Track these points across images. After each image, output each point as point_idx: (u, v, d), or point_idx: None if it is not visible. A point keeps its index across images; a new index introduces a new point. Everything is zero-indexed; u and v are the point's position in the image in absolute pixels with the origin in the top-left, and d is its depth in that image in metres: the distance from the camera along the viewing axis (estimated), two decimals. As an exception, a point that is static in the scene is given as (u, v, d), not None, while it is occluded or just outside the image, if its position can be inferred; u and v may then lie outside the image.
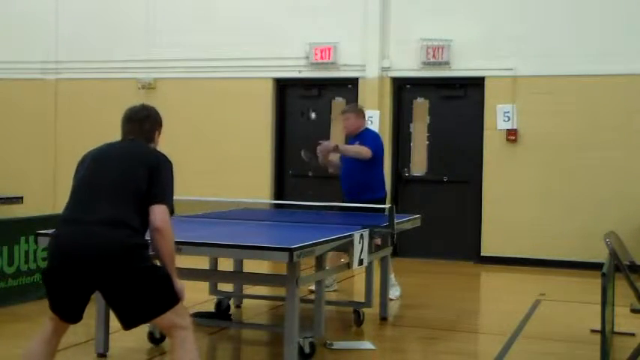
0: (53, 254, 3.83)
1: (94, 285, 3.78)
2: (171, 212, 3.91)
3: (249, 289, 7.28)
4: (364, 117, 7.75)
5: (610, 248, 4.88)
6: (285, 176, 11.23)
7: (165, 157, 4.05)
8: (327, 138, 10.98)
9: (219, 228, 5.92)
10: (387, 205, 6.64)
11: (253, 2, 11.22)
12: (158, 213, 3.80)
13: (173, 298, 3.79)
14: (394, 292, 7.40)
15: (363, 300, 6.62)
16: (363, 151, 7.24)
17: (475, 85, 10.32)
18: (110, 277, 3.70)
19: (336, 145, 7.37)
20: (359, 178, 7.37)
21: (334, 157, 7.55)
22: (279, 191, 11.15)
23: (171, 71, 11.46)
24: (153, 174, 3.89)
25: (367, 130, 7.69)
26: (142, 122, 4.18)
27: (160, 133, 4.28)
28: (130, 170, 3.90)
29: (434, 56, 10.29)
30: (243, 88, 11.11)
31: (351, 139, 7.67)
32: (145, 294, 3.72)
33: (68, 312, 3.87)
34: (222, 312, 6.68)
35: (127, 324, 3.82)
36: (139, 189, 3.83)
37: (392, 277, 7.37)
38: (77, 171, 4.02)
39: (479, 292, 8.07)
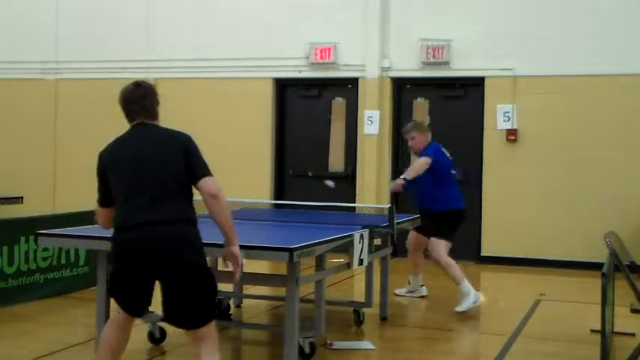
0: (125, 258, 3.86)
1: (159, 278, 3.87)
2: None
3: (249, 289, 7.28)
4: (429, 131, 7.56)
5: (610, 248, 4.88)
6: (285, 176, 11.23)
7: (184, 133, 4.07)
8: (327, 138, 11.02)
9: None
10: (386, 206, 6.65)
11: (253, 2, 11.22)
12: (210, 183, 3.89)
13: (214, 309, 3.96)
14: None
15: (363, 300, 6.62)
16: (419, 165, 7.10)
17: (475, 85, 10.32)
18: (174, 271, 3.80)
19: (403, 179, 7.01)
20: (425, 191, 7.26)
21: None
22: (279, 191, 11.15)
23: (171, 71, 11.46)
24: (187, 155, 3.93)
25: (430, 144, 7.42)
26: (142, 101, 4.11)
27: (159, 104, 4.21)
28: (169, 164, 3.91)
29: (434, 56, 10.29)
30: (243, 88, 11.11)
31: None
32: (201, 297, 3.85)
33: (138, 308, 4.01)
34: (222, 312, 6.67)
35: (180, 323, 3.92)
36: (183, 178, 3.90)
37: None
38: (108, 173, 3.98)
39: (479, 292, 8.05)
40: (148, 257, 3.78)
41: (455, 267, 7.12)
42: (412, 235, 7.69)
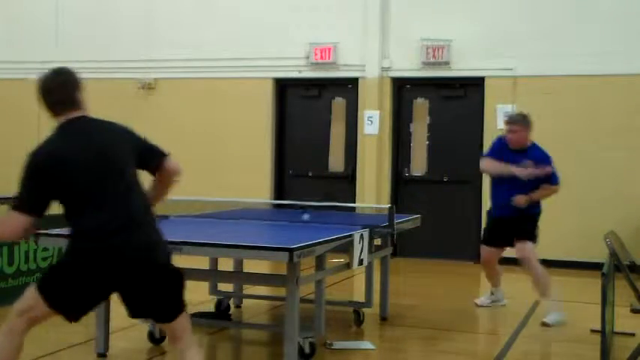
0: (97, 263, 3.56)
1: (124, 285, 3.69)
2: None
3: (249, 289, 7.28)
4: (532, 128, 6.92)
5: (610, 248, 4.88)
6: (285, 176, 11.23)
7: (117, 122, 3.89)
8: (327, 138, 11.01)
9: (219, 228, 5.92)
10: (386, 206, 6.64)
11: (253, 2, 11.22)
12: (173, 162, 3.83)
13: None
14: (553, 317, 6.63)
15: (363, 300, 6.62)
16: (552, 189, 6.87)
17: (475, 85, 10.32)
18: (159, 270, 3.70)
19: (529, 198, 6.73)
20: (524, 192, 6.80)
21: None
22: (279, 191, 11.15)
23: (171, 71, 11.46)
24: (137, 140, 3.82)
25: (535, 145, 6.92)
26: (66, 89, 3.81)
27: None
28: (129, 157, 3.74)
29: (434, 56, 10.29)
30: (243, 88, 11.11)
31: (510, 153, 6.88)
32: (174, 292, 3.76)
33: (81, 312, 3.74)
34: (222, 312, 6.68)
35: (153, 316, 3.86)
36: (135, 169, 3.77)
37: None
38: (54, 177, 3.60)
39: (479, 292, 8.05)
40: (139, 260, 3.60)
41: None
42: (489, 251, 7.18)
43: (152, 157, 3.82)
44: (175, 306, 3.79)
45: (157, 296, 3.72)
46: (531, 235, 6.88)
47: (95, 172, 3.61)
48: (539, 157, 6.85)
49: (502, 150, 6.96)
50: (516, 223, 6.86)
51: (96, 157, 3.63)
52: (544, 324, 6.52)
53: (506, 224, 6.93)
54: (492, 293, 7.47)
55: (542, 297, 6.88)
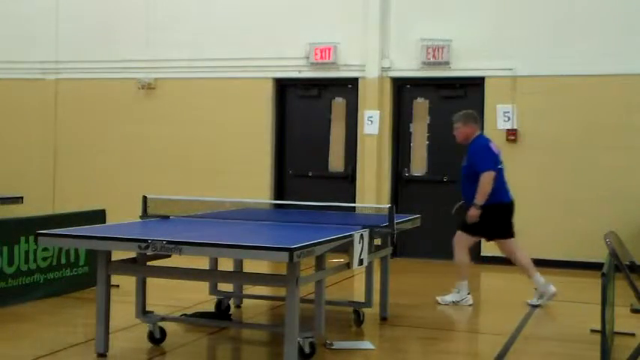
0: None
1: None
2: None
3: (249, 289, 7.28)
4: (474, 122, 7.50)
5: (610, 248, 4.88)
6: (285, 176, 11.23)
7: None
8: (327, 138, 11.01)
9: (219, 228, 5.92)
10: (386, 206, 6.64)
11: (253, 2, 11.21)
12: None
13: None
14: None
15: (363, 300, 6.62)
16: (484, 188, 7.12)
17: (475, 85, 10.32)
18: None
19: (478, 207, 7.14)
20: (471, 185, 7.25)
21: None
22: (279, 191, 11.15)
23: (171, 71, 11.46)
24: None
25: (476, 139, 7.46)
26: None
27: None
28: None
29: (434, 56, 10.29)
30: (243, 88, 11.11)
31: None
32: None
33: None
34: (222, 312, 6.68)
35: None
36: None
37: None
38: None
39: (479, 292, 8.05)
40: None
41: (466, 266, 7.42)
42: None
43: None
44: None
45: None
46: (468, 227, 7.32)
47: None
48: (470, 151, 7.39)
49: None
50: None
51: None
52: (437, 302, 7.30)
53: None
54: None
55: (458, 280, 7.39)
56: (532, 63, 9.96)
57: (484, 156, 7.30)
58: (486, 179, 7.14)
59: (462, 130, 7.45)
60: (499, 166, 7.37)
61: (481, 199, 7.13)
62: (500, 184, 7.33)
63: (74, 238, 5.20)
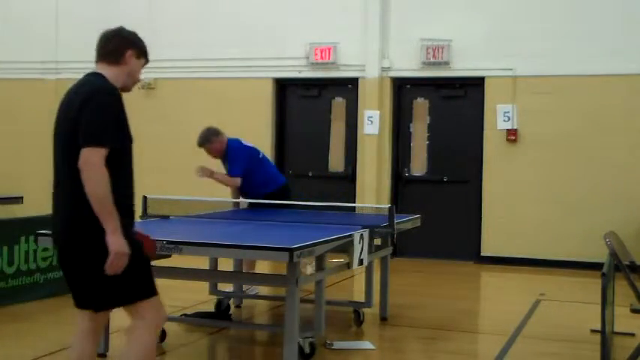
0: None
1: (69, 265, 3.57)
2: (112, 147, 3.46)
3: (248, 289, 7.27)
4: (218, 135, 7.50)
5: (610, 248, 4.88)
6: (285, 176, 11.19)
7: (106, 87, 3.59)
8: (327, 138, 11.01)
9: (219, 228, 5.92)
10: (386, 206, 6.64)
11: (253, 2, 11.21)
12: (81, 157, 3.44)
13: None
14: None
15: (363, 300, 6.62)
16: (230, 182, 7.36)
17: (475, 85, 10.32)
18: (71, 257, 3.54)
19: (211, 171, 7.38)
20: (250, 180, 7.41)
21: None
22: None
23: (172, 71, 11.45)
24: (82, 113, 3.47)
25: (228, 147, 7.53)
26: (107, 42, 3.66)
27: (137, 56, 3.77)
28: (69, 121, 3.52)
29: (434, 56, 10.29)
30: (243, 88, 11.11)
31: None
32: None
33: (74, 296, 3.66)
34: (222, 312, 6.68)
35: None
36: (77, 141, 3.45)
37: None
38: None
39: (479, 292, 8.07)
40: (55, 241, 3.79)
41: None
42: None
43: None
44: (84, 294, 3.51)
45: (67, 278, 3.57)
46: None
47: (54, 144, 3.68)
48: (228, 160, 7.48)
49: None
50: None
51: (56, 124, 3.67)
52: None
53: None
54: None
55: None
56: (532, 63, 9.95)
57: (238, 157, 7.48)
58: (228, 182, 7.33)
59: (214, 147, 7.45)
60: (260, 156, 7.68)
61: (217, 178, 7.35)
62: (269, 175, 7.64)
63: (74, 238, 5.18)
